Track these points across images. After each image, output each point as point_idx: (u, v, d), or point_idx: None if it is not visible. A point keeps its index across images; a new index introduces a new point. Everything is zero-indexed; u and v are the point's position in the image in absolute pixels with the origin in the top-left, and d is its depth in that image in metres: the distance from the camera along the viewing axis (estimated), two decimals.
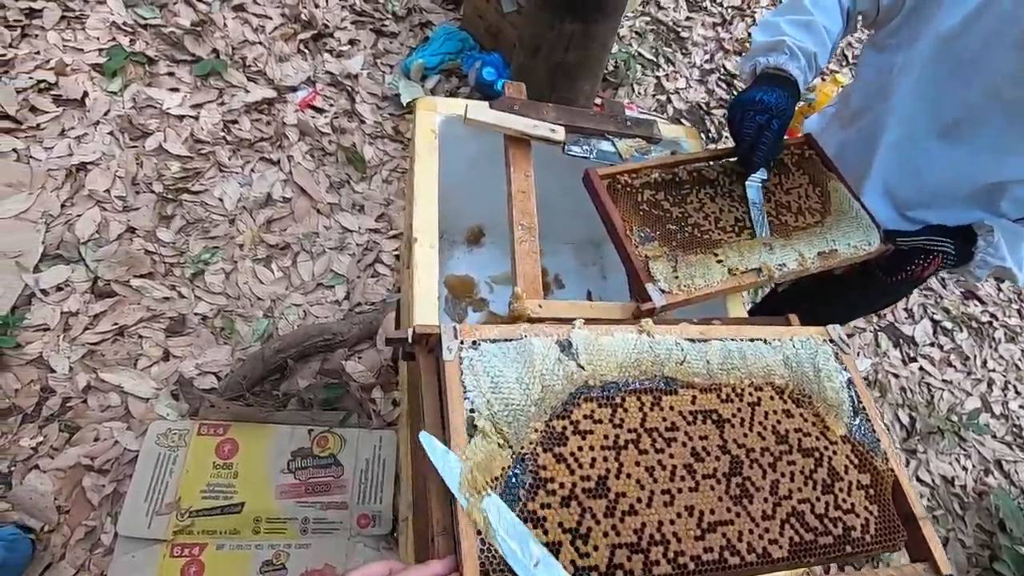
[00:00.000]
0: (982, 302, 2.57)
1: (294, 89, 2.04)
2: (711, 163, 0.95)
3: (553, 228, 1.00)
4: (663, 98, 2.64)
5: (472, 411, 0.51)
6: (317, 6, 2.27)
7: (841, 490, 0.57)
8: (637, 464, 0.53)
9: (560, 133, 0.90)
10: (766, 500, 0.54)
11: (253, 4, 2.17)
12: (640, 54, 2.70)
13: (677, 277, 0.77)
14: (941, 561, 0.59)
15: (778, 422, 0.59)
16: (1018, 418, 2.28)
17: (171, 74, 1.94)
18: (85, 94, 1.78)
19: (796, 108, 0.90)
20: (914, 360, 2.30)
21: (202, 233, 1.72)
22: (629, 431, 0.55)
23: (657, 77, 2.69)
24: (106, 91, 1.81)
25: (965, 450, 2.13)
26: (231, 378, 1.50)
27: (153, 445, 1.41)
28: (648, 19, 2.88)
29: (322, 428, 1.50)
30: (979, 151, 0.87)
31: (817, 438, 0.60)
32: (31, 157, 1.66)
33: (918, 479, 2.01)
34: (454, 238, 1.31)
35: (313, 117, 2.02)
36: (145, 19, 1.98)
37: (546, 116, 0.92)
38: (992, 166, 0.87)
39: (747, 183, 0.90)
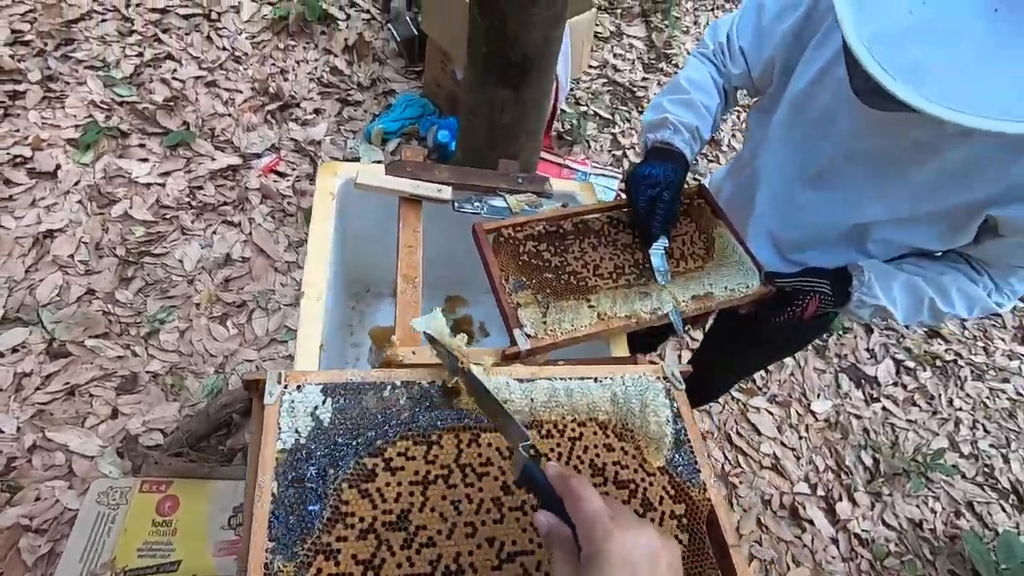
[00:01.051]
0: (946, 340, 2.58)
1: (258, 156, 2.17)
2: (598, 215, 1.02)
3: (479, 279, 1.05)
4: (619, 153, 2.76)
5: (282, 451, 0.55)
6: (286, 79, 2.44)
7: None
8: (443, 498, 0.56)
9: (447, 192, 0.98)
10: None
11: (225, 80, 2.34)
12: (596, 113, 2.85)
13: (545, 322, 0.81)
14: None
15: (597, 455, 0.62)
16: (988, 457, 2.25)
17: (142, 145, 2.07)
18: (58, 166, 1.90)
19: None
20: (877, 400, 2.29)
21: (160, 294, 1.80)
22: (441, 467, 0.58)
23: (613, 134, 2.82)
24: (78, 163, 1.94)
25: (933, 492, 2.09)
26: (176, 434, 1.53)
27: (94, 504, 1.43)
28: (604, 80, 3.05)
29: None
30: (840, 197, 0.93)
31: (635, 470, 0.62)
32: (1, 227, 1.76)
33: (884, 523, 1.97)
34: (380, 291, 1.38)
35: (275, 181, 2.14)
36: (122, 96, 2.14)
37: (437, 177, 1.00)
38: (853, 210, 0.93)
39: (650, 251, 0.95)
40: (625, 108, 2.96)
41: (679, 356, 2.14)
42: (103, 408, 1.57)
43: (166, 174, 2.02)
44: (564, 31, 1.62)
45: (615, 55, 3.13)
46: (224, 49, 2.41)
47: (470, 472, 0.58)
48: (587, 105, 2.85)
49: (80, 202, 1.87)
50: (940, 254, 0.95)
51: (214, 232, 1.96)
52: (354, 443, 0.58)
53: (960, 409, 2.36)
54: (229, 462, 1.56)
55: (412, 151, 1.04)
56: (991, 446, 2.28)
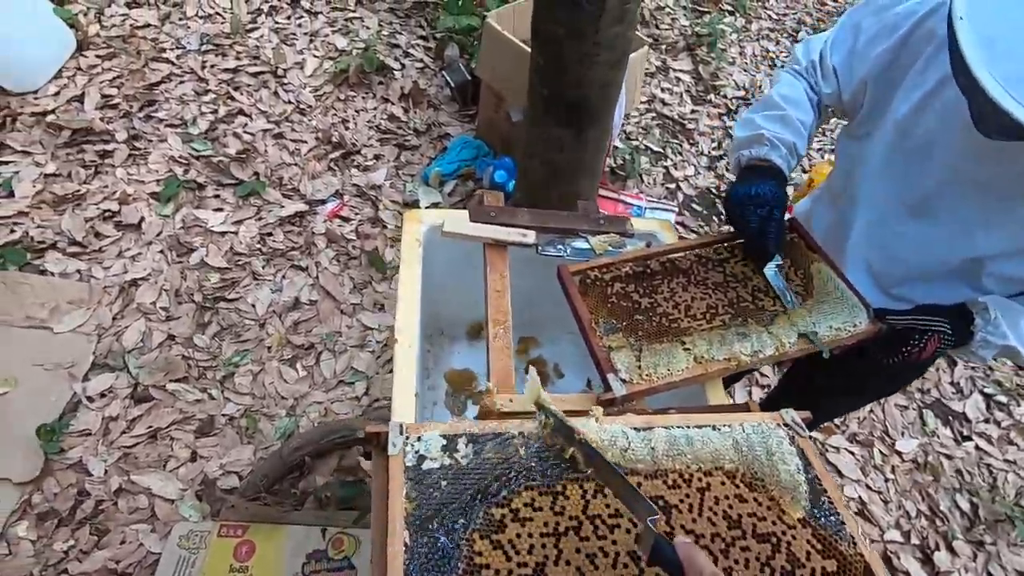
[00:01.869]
0: None
1: (323, 202, 2.25)
2: (685, 253, 1.00)
3: (552, 319, 1.05)
4: (672, 186, 2.75)
5: (409, 501, 0.55)
6: (347, 128, 2.55)
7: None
8: (578, 551, 0.54)
9: (531, 237, 0.98)
10: None
11: (291, 131, 2.46)
12: (647, 147, 2.85)
13: (640, 366, 0.79)
14: None
15: (730, 507, 0.59)
16: None
17: (217, 196, 2.18)
18: (142, 219, 2.02)
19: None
20: (968, 439, 2.13)
21: (234, 338, 1.86)
22: (570, 518, 0.56)
23: (665, 167, 2.81)
24: (160, 215, 2.05)
25: None
26: (251, 478, 1.55)
27: (175, 547, 1.45)
28: (654, 115, 3.06)
29: (337, 529, 1.51)
30: (946, 228, 0.89)
31: (774, 523, 0.58)
32: (91, 276, 1.87)
33: (989, 574, 1.80)
34: (455, 333, 1.38)
35: (340, 226, 2.21)
36: (198, 151, 2.27)
37: (519, 221, 1.00)
38: (961, 242, 0.88)
39: (765, 270, 0.94)
40: (676, 141, 2.96)
41: (749, 393, 2.06)
42: (183, 451, 1.61)
43: (239, 222, 2.12)
44: (624, 74, 1.64)
45: (663, 89, 3.15)
46: (290, 103, 2.55)
47: (600, 524, 0.56)
48: (638, 139, 2.86)
49: (161, 251, 1.98)
50: None
51: (283, 277, 2.03)
52: (479, 494, 0.57)
53: None
54: (301, 505, 1.56)
55: (493, 196, 1.05)
56: None
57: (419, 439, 0.60)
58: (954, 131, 0.81)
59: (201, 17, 2.76)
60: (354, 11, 3.06)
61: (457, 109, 2.74)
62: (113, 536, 1.46)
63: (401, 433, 0.60)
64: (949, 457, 2.06)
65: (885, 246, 0.97)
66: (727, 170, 2.91)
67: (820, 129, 3.03)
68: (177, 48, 2.60)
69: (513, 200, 2.11)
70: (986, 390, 2.27)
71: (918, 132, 0.85)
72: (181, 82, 2.48)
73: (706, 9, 3.71)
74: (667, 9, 3.71)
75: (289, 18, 2.92)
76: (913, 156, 0.88)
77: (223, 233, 2.08)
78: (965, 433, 2.14)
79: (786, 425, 0.68)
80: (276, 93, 2.57)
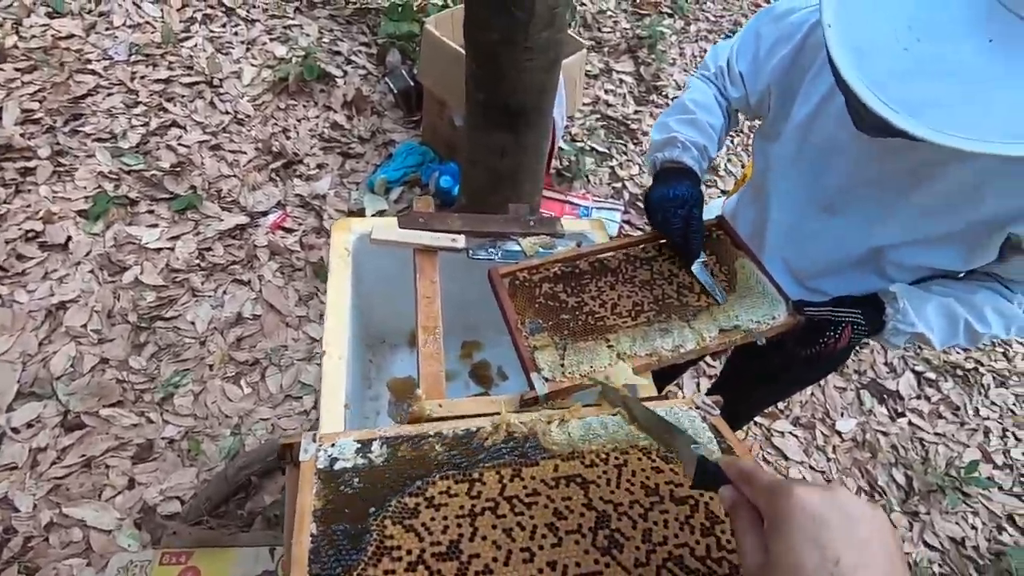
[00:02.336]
0: (965, 348, 2.55)
1: (265, 213, 2.20)
2: (614, 253, 1.02)
3: (495, 322, 1.05)
4: (618, 185, 2.80)
5: (319, 498, 0.55)
6: (288, 137, 2.50)
7: (723, 532, 0.57)
8: (494, 527, 0.54)
9: (461, 241, 0.98)
10: (638, 548, 0.55)
11: (229, 142, 2.39)
12: (593, 148, 2.90)
13: (563, 365, 0.81)
14: None
15: (647, 478, 0.61)
16: (1023, 466, 2.19)
17: (151, 212, 2.10)
18: (69, 238, 1.93)
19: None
20: (902, 415, 2.25)
21: (173, 357, 1.79)
22: (487, 500, 0.57)
23: (611, 167, 2.87)
24: (89, 233, 1.96)
25: (971, 507, 2.03)
26: (194, 501, 1.50)
27: None
28: (598, 116, 3.11)
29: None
30: (851, 223, 0.93)
31: (687, 488, 0.61)
32: (14, 301, 1.77)
33: (925, 543, 1.90)
34: (396, 341, 1.37)
35: (283, 237, 2.16)
36: (130, 166, 2.18)
37: (450, 226, 1.01)
38: (864, 235, 0.92)
39: (695, 270, 0.96)
40: (621, 141, 3.02)
41: (697, 385, 2.11)
42: (119, 479, 1.54)
43: (175, 238, 2.04)
44: (559, 75, 1.67)
45: (606, 91, 3.21)
46: (227, 113, 2.48)
47: (518, 503, 0.57)
48: (583, 141, 2.90)
49: (91, 271, 1.89)
50: (963, 275, 0.94)
51: (224, 292, 1.97)
52: (392, 486, 0.57)
53: (987, 418, 2.31)
54: (249, 527, 1.52)
55: (423, 202, 1.05)
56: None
57: (332, 445, 0.60)
58: (849, 133, 0.85)
59: (130, 26, 2.66)
60: (293, 18, 3.00)
61: (401, 115, 2.73)
62: (45, 573, 1.38)
63: (314, 441, 0.60)
64: (885, 434, 2.17)
65: (799, 243, 1.01)
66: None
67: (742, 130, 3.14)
68: (104, 59, 2.49)
69: (457, 205, 2.11)
70: (917, 368, 2.40)
71: (818, 135, 0.89)
72: (109, 94, 2.39)
73: (646, 12, 3.80)
74: (608, 12, 3.79)
75: (224, 26, 2.84)
76: (816, 158, 0.92)
77: (158, 249, 2.00)
78: (899, 410, 2.26)
79: (698, 408, 0.70)
80: (212, 103, 2.49)
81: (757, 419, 2.09)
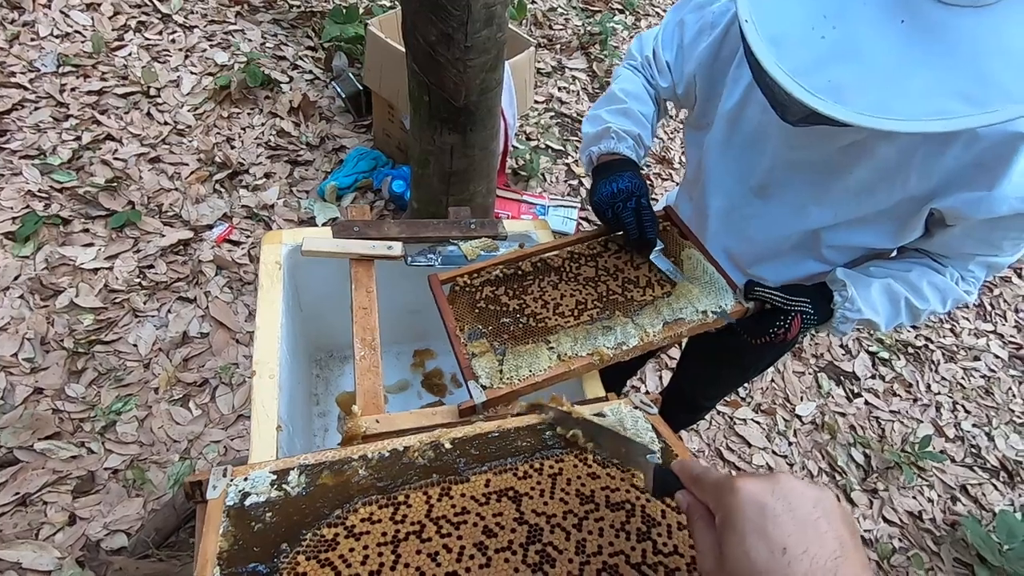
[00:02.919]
0: (914, 327, 2.63)
1: (210, 227, 2.12)
2: (558, 251, 1.00)
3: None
4: (575, 183, 2.80)
5: (225, 539, 0.51)
6: (232, 147, 2.41)
7: (659, 535, 0.56)
8: (418, 552, 0.52)
9: (397, 248, 0.95)
10: (571, 561, 0.53)
11: (169, 154, 2.30)
12: (548, 146, 2.89)
13: (502, 371, 0.78)
14: None
15: (582, 485, 0.59)
16: (973, 438, 2.27)
17: (86, 230, 2.00)
18: None
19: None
20: (859, 395, 2.30)
21: (115, 382, 1.70)
22: (412, 523, 0.54)
23: (566, 164, 2.86)
24: (17, 256, 1.85)
25: (927, 480, 2.09)
26: (141, 534, 1.43)
27: None
28: (552, 113, 3.11)
29: None
30: (785, 207, 0.94)
31: (627, 491, 0.59)
32: None
33: (884, 519, 1.95)
34: (345, 354, 1.33)
35: (230, 251, 2.08)
36: (61, 183, 2.07)
37: (387, 233, 0.97)
38: (799, 218, 0.93)
39: (653, 259, 0.96)
40: (576, 138, 3.02)
41: (660, 377, 2.12)
42: (59, 515, 1.46)
43: (113, 257, 1.95)
44: (503, 73, 1.64)
45: (559, 88, 3.21)
46: (166, 124, 2.38)
47: (445, 523, 0.54)
48: (538, 139, 2.89)
49: (21, 296, 1.78)
50: (895, 253, 0.95)
51: (169, 311, 1.89)
52: (308, 519, 0.54)
53: (939, 393, 2.39)
54: None
55: (358, 209, 1.01)
56: (974, 426, 2.31)
57: (245, 479, 0.56)
58: (777, 119, 0.86)
59: (57, 36, 2.53)
60: (234, 23, 2.91)
61: (351, 120, 2.67)
62: None
63: (224, 475, 0.56)
64: (843, 414, 2.22)
65: (738, 229, 1.01)
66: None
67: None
68: (30, 71, 2.36)
69: (410, 209, 2.07)
70: (871, 349, 2.47)
71: (746, 123, 0.90)
72: (36, 108, 2.26)
73: (597, 9, 3.82)
74: (559, 10, 3.79)
75: (161, 33, 2.73)
76: (748, 145, 0.92)
77: (95, 270, 1.90)
78: (855, 391, 2.32)
79: (636, 407, 0.69)
80: (149, 114, 2.39)
81: (719, 408, 2.11)
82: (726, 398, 2.15)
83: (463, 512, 0.55)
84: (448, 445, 0.63)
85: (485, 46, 1.49)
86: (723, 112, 0.93)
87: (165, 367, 1.76)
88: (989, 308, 2.79)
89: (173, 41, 2.71)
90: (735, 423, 2.09)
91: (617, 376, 1.71)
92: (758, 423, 2.11)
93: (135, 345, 1.79)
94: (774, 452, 2.06)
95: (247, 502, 0.55)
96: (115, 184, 2.12)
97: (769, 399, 2.20)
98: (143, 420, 1.65)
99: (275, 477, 0.57)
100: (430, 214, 1.97)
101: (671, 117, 3.23)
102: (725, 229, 1.04)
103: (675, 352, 2.19)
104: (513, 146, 2.62)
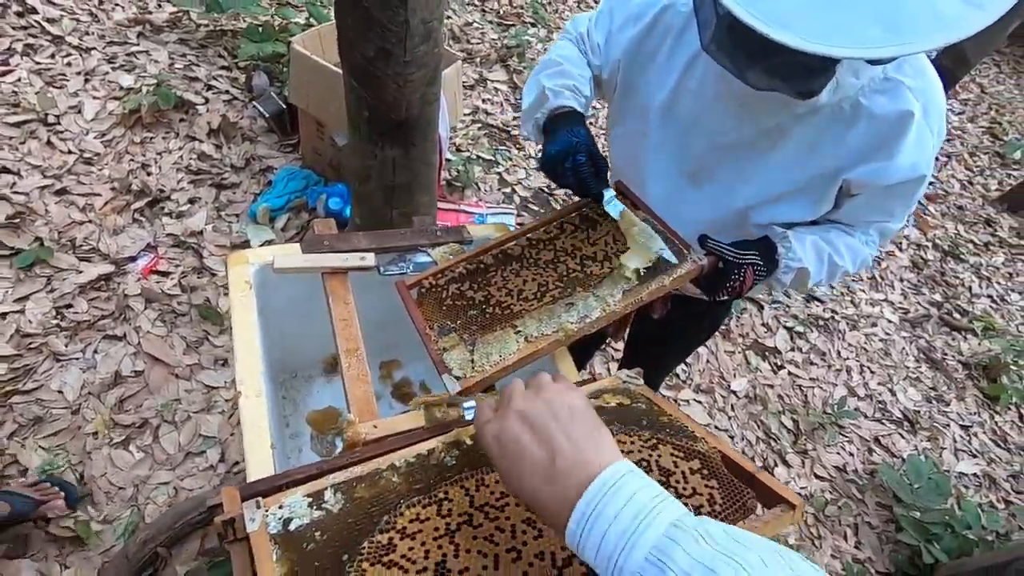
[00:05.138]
0: (821, 301, 2.93)
1: (133, 259, 1.99)
2: (516, 241, 1.04)
3: (412, 338, 1.02)
4: (508, 190, 2.88)
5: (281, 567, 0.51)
6: (149, 173, 2.28)
7: (677, 481, 0.62)
8: (475, 538, 0.55)
9: (370, 259, 0.97)
10: None
11: (77, 184, 2.13)
12: (479, 156, 2.96)
13: (473, 361, 0.82)
14: (790, 496, 0.62)
15: None
16: (880, 395, 2.56)
17: None
18: None
19: None
20: (782, 368, 2.53)
21: (41, 433, 1.56)
22: (459, 515, 0.57)
23: (498, 173, 2.94)
24: None
25: (846, 436, 2.33)
26: None
27: None
28: (480, 125, 3.18)
29: None
30: (717, 188, 1.02)
31: (639, 451, 0.65)
32: None
33: (816, 476, 2.16)
34: (310, 373, 1.31)
35: (158, 282, 1.97)
36: None
37: (357, 245, 0.99)
38: (729, 198, 1.01)
39: (606, 207, 0.97)
40: (504, 147, 3.10)
41: (607, 369, 2.23)
42: None
43: (24, 299, 1.78)
44: (440, 88, 1.69)
45: (484, 100, 3.29)
46: (70, 152, 2.21)
47: (490, 509, 0.58)
48: (469, 150, 2.95)
49: None
50: (810, 222, 1.06)
51: (95, 351, 1.76)
52: (359, 530, 0.55)
53: (847, 359, 2.67)
54: None
55: (324, 224, 1.02)
56: (879, 384, 2.61)
57: (280, 507, 0.57)
58: (707, 107, 0.95)
59: None
60: (136, 44, 2.75)
61: (277, 140, 2.60)
62: None
63: (259, 507, 0.56)
64: (771, 386, 2.43)
65: (676, 214, 1.07)
66: None
67: None
68: None
69: (351, 226, 2.05)
70: (787, 324, 2.72)
71: (680, 113, 0.98)
72: None
73: (510, 23, 3.95)
74: (475, 24, 3.88)
75: (53, 56, 2.53)
76: (681, 134, 1.00)
77: (3, 314, 1.73)
78: (779, 364, 2.55)
79: (624, 382, 0.76)
80: (50, 143, 2.21)
81: (664, 392, 2.25)
82: (668, 382, 2.29)
83: (503, 496, 0.59)
84: (469, 441, 0.66)
85: (424, 60, 1.52)
86: (654, 106, 1.00)
87: (98, 411, 1.64)
88: (880, 279, 3.16)
89: (69, 64, 2.52)
90: (680, 404, 2.24)
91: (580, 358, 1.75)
92: (699, 402, 2.27)
93: (60, 391, 1.65)
94: (716, 427, 2.22)
95: (291, 527, 0.55)
96: (17, 220, 1.94)
97: (707, 379, 2.37)
98: (78, 468, 1.52)
99: (311, 499, 0.58)
100: (374, 228, 1.96)
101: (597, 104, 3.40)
102: (665, 213, 1.12)
103: (621, 344, 2.31)
104: (447, 158, 2.65)
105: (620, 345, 2.29)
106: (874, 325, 2.88)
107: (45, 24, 2.62)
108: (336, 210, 2.24)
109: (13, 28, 2.56)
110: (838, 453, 2.26)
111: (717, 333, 2.56)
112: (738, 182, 0.98)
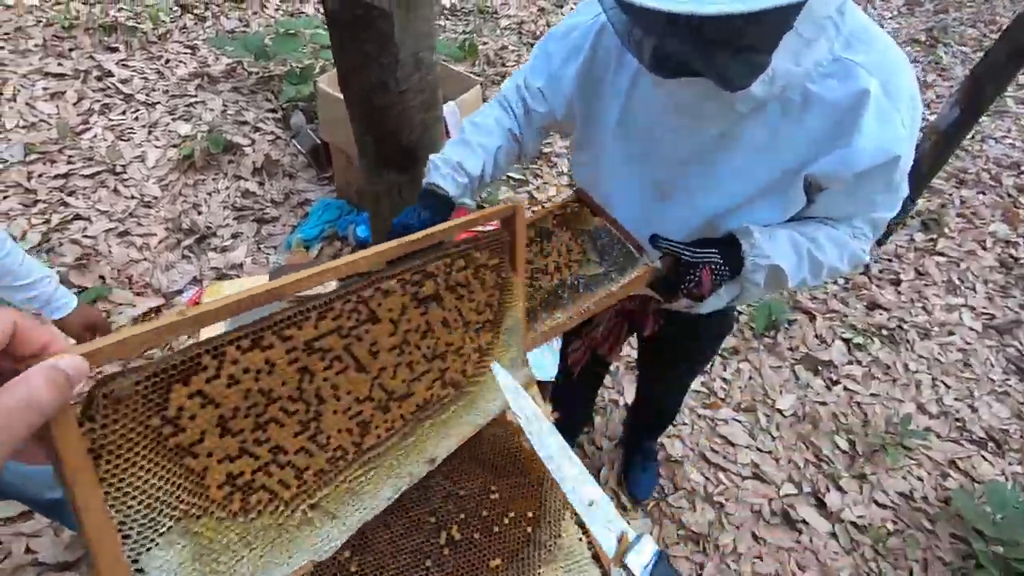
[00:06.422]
0: (886, 309, 2.67)
1: (180, 292, 2.16)
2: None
3: None
4: (537, 208, 2.87)
5: None
6: (199, 212, 2.48)
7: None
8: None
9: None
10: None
11: (137, 227, 2.36)
12: (508, 177, 2.98)
13: None
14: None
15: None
16: (957, 412, 2.28)
17: None
18: None
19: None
20: (837, 383, 2.32)
21: None
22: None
23: (528, 191, 2.95)
24: None
25: (915, 459, 2.09)
26: None
27: None
28: None
29: None
30: (682, 203, 0.96)
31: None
32: None
33: (876, 503, 1.94)
34: None
35: None
36: None
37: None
38: (696, 210, 0.95)
39: None
40: (535, 166, 3.11)
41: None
42: None
43: None
44: (441, 111, 1.73)
45: None
46: (132, 198, 2.45)
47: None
48: None
49: None
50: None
51: None
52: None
53: (917, 372, 2.41)
54: None
55: (297, 255, 1.06)
56: (956, 399, 2.32)
57: None
58: (656, 121, 0.91)
59: (23, 127, 2.63)
60: (195, 95, 3.03)
61: (314, 174, 2.75)
62: None
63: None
64: (823, 404, 2.23)
65: (649, 231, 1.03)
66: None
67: None
68: None
69: None
70: (844, 335, 2.50)
71: (633, 130, 0.94)
72: (5, 197, 2.34)
73: None
74: (511, 48, 3.96)
75: (124, 113, 2.84)
76: (641, 154, 0.96)
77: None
78: (834, 378, 2.34)
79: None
80: (116, 190, 2.47)
81: (699, 412, 2.13)
82: (704, 400, 2.17)
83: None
84: None
85: (419, 87, 1.57)
86: (610, 128, 0.97)
87: None
88: (958, 282, 2.84)
89: (136, 119, 2.82)
90: (716, 424, 2.10)
91: (588, 384, 1.69)
92: (739, 422, 2.13)
93: None
94: (759, 449, 2.06)
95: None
96: (84, 261, 2.17)
97: (748, 397, 2.21)
98: None
99: None
100: None
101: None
102: (636, 233, 1.07)
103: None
104: None
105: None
106: (951, 334, 2.58)
107: (119, 85, 2.95)
108: (364, 237, 2.33)
109: (93, 91, 2.90)
110: (904, 478, 2.03)
111: (760, 347, 2.40)
112: (701, 192, 0.92)
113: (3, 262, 1.06)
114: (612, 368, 2.18)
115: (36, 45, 3.04)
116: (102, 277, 2.14)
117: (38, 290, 1.14)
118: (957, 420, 2.25)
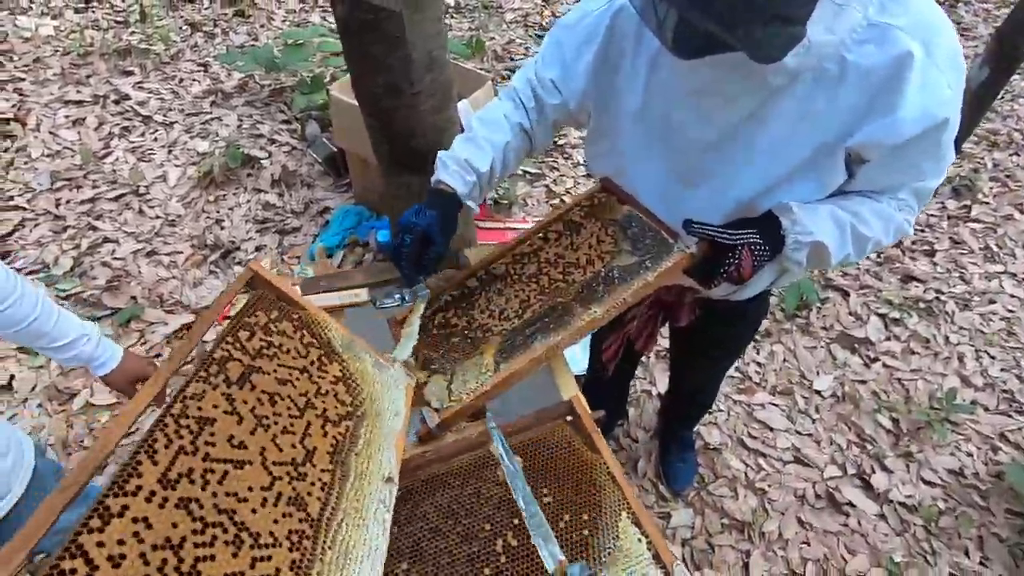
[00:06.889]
0: (922, 281, 2.59)
1: (208, 307, 2.19)
2: (501, 259, 1.01)
3: None
4: (556, 202, 2.85)
5: None
6: (223, 227, 2.51)
7: None
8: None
9: (364, 295, 0.99)
10: None
11: (164, 246, 2.40)
12: (523, 171, 2.95)
13: (451, 390, 0.80)
14: None
15: None
16: (1004, 383, 2.20)
17: None
18: (12, 377, 1.90)
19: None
20: (876, 360, 2.26)
21: None
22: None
23: (545, 185, 2.92)
24: (32, 367, 1.94)
25: (962, 434, 2.02)
26: None
27: None
28: None
29: None
30: (715, 186, 0.92)
31: None
32: None
33: (924, 482, 1.89)
34: None
35: None
36: (66, 291, 2.17)
37: (353, 281, 1.01)
38: (729, 193, 0.91)
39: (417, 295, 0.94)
40: (551, 159, 3.08)
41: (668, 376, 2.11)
42: None
43: None
44: (453, 112, 1.71)
45: None
46: (157, 217, 2.49)
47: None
48: None
49: (40, 405, 1.86)
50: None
51: None
52: None
53: (959, 344, 2.33)
54: None
55: (323, 265, 1.06)
56: (1002, 370, 2.24)
57: None
58: (679, 103, 0.87)
59: (48, 155, 2.70)
60: (210, 112, 3.07)
61: (332, 182, 2.76)
62: None
63: None
64: (863, 382, 2.17)
65: (675, 212, 0.97)
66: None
67: None
68: (27, 192, 2.51)
69: None
70: (880, 311, 2.43)
71: (654, 117, 0.91)
72: (36, 225, 2.40)
73: None
74: (518, 41, 3.92)
75: (143, 135, 2.89)
76: (662, 140, 0.93)
77: None
78: (872, 356, 2.27)
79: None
80: (141, 211, 2.51)
81: (735, 398, 2.09)
82: (738, 385, 2.13)
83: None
84: None
85: (431, 89, 1.55)
86: (630, 115, 0.94)
87: None
88: (996, 248, 2.74)
89: (156, 139, 2.86)
90: (753, 410, 2.06)
91: (619, 376, 1.66)
92: (776, 406, 2.08)
93: None
94: (798, 432, 2.02)
95: None
96: (116, 283, 2.21)
97: (784, 379, 2.16)
98: None
99: None
100: None
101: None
102: (665, 212, 1.03)
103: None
104: None
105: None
106: (992, 302, 2.49)
107: (137, 107, 3.01)
108: (385, 242, 2.33)
109: (112, 115, 2.95)
110: (952, 454, 1.97)
111: (793, 327, 2.34)
112: (732, 174, 0.89)
113: (32, 326, 1.00)
114: (643, 358, 2.15)
115: (55, 74, 3.11)
116: (134, 297, 2.19)
117: (76, 349, 1.09)
118: (1004, 391, 2.17)
